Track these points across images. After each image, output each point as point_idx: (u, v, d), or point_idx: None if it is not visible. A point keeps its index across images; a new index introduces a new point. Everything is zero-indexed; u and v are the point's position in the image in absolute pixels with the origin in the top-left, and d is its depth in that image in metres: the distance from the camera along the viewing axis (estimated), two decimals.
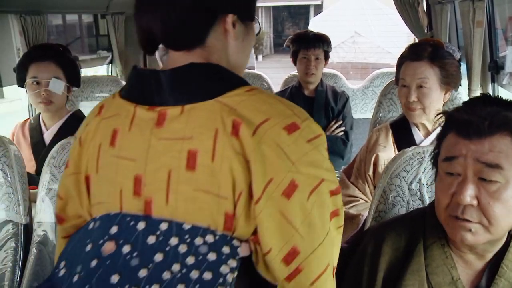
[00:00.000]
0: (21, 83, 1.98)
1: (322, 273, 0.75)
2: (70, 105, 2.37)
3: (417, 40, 2.81)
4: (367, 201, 1.75)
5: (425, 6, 2.67)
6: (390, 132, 1.77)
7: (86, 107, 2.42)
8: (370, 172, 1.74)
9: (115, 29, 3.03)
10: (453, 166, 0.93)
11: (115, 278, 0.70)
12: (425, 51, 1.63)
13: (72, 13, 3.96)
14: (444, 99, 1.68)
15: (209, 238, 0.72)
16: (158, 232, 0.72)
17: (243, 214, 0.72)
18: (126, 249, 0.71)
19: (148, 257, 0.70)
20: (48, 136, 2.01)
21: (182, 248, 0.71)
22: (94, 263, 0.72)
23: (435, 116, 1.12)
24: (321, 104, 2.62)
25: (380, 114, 2.16)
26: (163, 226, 0.72)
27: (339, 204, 0.79)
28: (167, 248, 0.71)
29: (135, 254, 0.71)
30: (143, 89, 0.78)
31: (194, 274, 0.69)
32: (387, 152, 1.73)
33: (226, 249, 0.72)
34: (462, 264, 1.01)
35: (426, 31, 2.68)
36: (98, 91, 2.48)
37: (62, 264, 0.77)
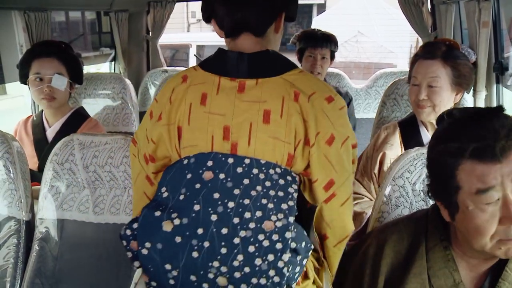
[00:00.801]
0: (23, 79, 1.98)
1: (348, 199, 1.08)
2: (72, 102, 2.37)
3: (420, 40, 2.80)
4: (371, 199, 1.74)
5: (429, 6, 2.66)
6: (398, 130, 1.77)
7: (89, 104, 2.41)
8: (376, 170, 1.74)
9: (119, 27, 3.02)
10: (490, 196, 0.88)
11: (216, 195, 0.98)
12: (439, 50, 1.62)
13: (76, 10, 3.96)
14: (455, 100, 1.66)
15: (278, 170, 1.03)
16: (244, 165, 1.02)
17: (299, 155, 1.05)
18: (221, 176, 1.00)
19: (239, 181, 1.00)
20: (50, 133, 2.01)
21: (261, 176, 1.01)
22: (197, 186, 1.00)
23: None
24: None
25: (384, 114, 2.15)
26: (247, 161, 1.03)
27: (355, 155, 1.13)
28: (251, 175, 1.01)
29: (228, 179, 1.00)
30: (226, 65, 1.07)
31: (272, 193, 0.99)
32: (393, 150, 1.73)
33: (289, 178, 1.03)
34: (465, 267, 1.00)
35: (430, 31, 2.67)
36: (101, 89, 2.47)
37: (164, 189, 1.03)
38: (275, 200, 0.98)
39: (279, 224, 0.95)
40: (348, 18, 14.12)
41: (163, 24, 3.26)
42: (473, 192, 0.88)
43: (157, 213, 0.98)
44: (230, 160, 1.02)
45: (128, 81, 2.48)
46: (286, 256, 0.94)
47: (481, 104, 1.99)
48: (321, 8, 18.44)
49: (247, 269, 0.95)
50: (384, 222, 1.31)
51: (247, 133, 1.04)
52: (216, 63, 1.09)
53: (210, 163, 1.02)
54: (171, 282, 0.98)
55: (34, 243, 1.55)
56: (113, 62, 3.36)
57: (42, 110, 2.05)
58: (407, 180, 1.36)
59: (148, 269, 0.99)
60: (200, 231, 0.96)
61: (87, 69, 3.20)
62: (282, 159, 1.04)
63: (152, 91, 3.17)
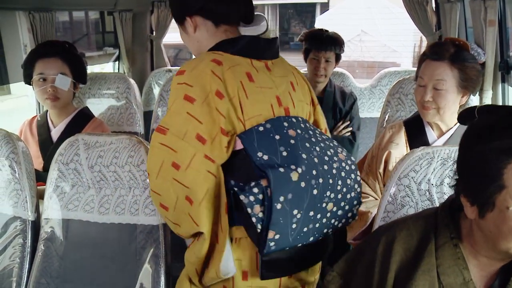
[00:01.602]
0: (28, 79, 1.99)
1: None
2: (77, 102, 2.37)
3: (424, 39, 2.79)
4: (376, 199, 1.74)
5: (434, 5, 2.65)
6: (403, 130, 1.76)
7: (93, 104, 2.41)
8: (381, 169, 1.73)
9: (123, 26, 3.03)
10: None
11: (307, 144, 1.23)
12: (447, 52, 1.60)
13: (80, 10, 3.97)
14: (461, 102, 1.65)
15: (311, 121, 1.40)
16: (301, 122, 1.28)
17: (312, 113, 1.41)
18: (299, 131, 1.24)
19: (309, 133, 1.28)
20: (55, 133, 2.01)
21: (311, 127, 1.32)
22: (292, 141, 1.20)
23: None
24: (329, 105, 2.59)
25: (388, 114, 2.15)
26: (300, 119, 1.29)
27: None
28: (310, 128, 1.31)
29: (303, 132, 1.25)
30: (258, 49, 1.29)
31: (324, 136, 1.33)
32: (399, 149, 1.72)
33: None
34: (475, 266, 0.99)
35: (434, 30, 2.66)
36: (106, 88, 2.47)
37: (260, 153, 1.18)
38: (328, 140, 1.31)
39: (344, 153, 1.29)
40: (352, 17, 14.10)
41: (167, 24, 3.27)
42: None
43: (281, 170, 1.14)
44: (294, 120, 1.27)
45: (132, 81, 2.48)
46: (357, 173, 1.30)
47: (487, 103, 1.98)
48: (325, 7, 18.40)
49: (344, 189, 1.24)
50: (389, 222, 1.31)
51: (290, 99, 1.30)
52: (247, 48, 1.27)
53: (285, 124, 1.24)
54: (294, 225, 1.16)
55: (39, 243, 1.56)
56: (117, 62, 3.37)
57: (47, 110, 2.06)
58: (413, 179, 1.35)
59: (278, 223, 1.13)
60: (314, 172, 1.18)
61: (91, 68, 3.21)
62: (307, 116, 1.37)
63: (156, 90, 3.17)
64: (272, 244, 1.15)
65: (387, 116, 2.17)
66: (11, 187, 1.57)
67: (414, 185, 1.35)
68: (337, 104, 2.60)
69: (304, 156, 1.19)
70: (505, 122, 0.91)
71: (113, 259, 1.50)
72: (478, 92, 2.06)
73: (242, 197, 1.13)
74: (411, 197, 1.36)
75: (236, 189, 1.17)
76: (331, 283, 1.13)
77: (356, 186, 1.28)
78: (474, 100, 1.96)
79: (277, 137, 1.20)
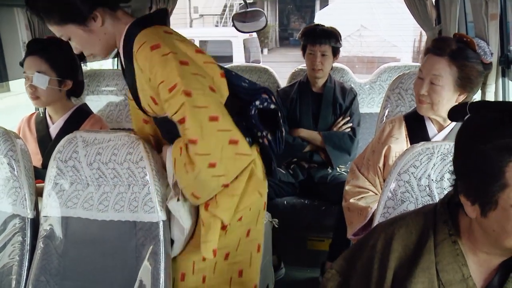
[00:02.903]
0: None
1: None
2: (75, 99, 2.36)
3: (424, 34, 2.78)
4: (376, 193, 1.73)
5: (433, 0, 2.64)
6: (404, 124, 1.75)
7: (92, 101, 2.41)
8: (381, 164, 1.73)
9: None
10: None
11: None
12: (448, 48, 1.58)
13: None
14: (458, 100, 1.63)
15: None
16: None
17: None
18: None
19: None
20: (54, 130, 2.01)
21: None
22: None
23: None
24: (329, 101, 2.60)
25: (388, 109, 2.14)
26: None
27: None
28: None
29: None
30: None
31: None
32: (399, 144, 1.72)
33: None
34: (475, 262, 0.99)
35: (434, 25, 2.64)
36: (104, 85, 2.47)
37: (242, 83, 1.52)
38: None
39: None
40: (351, 12, 14.08)
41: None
42: None
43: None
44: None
45: None
46: None
47: (490, 98, 1.97)
48: (324, 2, 18.37)
49: None
50: (389, 218, 1.30)
51: None
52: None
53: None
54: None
55: (38, 241, 1.55)
56: (115, 58, 3.36)
57: (46, 107, 2.05)
58: (413, 175, 1.35)
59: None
60: None
61: (90, 65, 3.19)
62: None
63: None
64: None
65: (387, 112, 2.16)
66: (10, 185, 1.57)
67: (414, 181, 1.35)
68: (337, 100, 2.60)
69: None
70: (505, 120, 0.89)
71: (112, 256, 1.50)
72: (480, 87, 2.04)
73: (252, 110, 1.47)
74: (411, 193, 1.36)
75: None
76: (330, 281, 1.13)
77: None
78: (475, 95, 1.95)
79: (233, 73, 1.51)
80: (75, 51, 1.46)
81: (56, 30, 1.40)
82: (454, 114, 1.03)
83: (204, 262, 1.48)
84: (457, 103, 1.64)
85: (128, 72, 1.44)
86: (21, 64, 1.97)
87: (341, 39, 2.59)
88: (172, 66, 1.30)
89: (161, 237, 1.47)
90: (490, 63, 1.62)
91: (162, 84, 1.32)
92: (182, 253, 1.51)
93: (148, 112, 1.48)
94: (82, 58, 2.07)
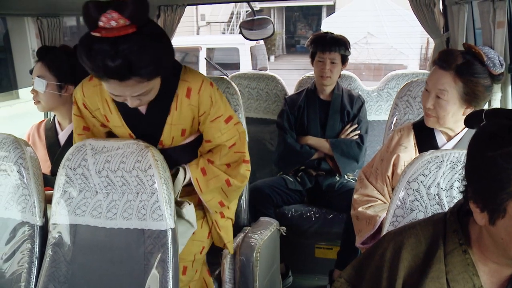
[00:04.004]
0: None
1: None
2: None
3: (431, 41, 2.77)
4: (385, 202, 1.72)
5: (441, 7, 2.63)
6: (412, 133, 1.74)
7: None
8: (389, 173, 1.72)
9: None
10: None
11: None
12: (454, 62, 1.55)
13: None
14: (465, 113, 1.61)
15: None
16: None
17: None
18: None
19: None
20: (62, 137, 2.01)
21: None
22: None
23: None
24: (337, 109, 2.60)
25: (396, 117, 2.13)
26: None
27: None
28: None
29: None
30: None
31: None
32: (408, 153, 1.71)
33: None
34: (486, 272, 0.98)
35: (442, 32, 2.64)
36: None
37: None
38: None
39: None
40: (358, 19, 14.08)
41: (173, 28, 3.27)
42: None
43: None
44: None
45: None
46: None
47: (496, 106, 1.95)
48: (331, 9, 18.40)
49: None
50: (398, 226, 1.30)
51: None
52: None
53: None
54: None
55: (47, 248, 1.56)
56: None
57: (55, 114, 2.06)
58: (422, 183, 1.34)
59: None
60: None
61: None
62: None
63: None
64: None
65: (395, 119, 2.15)
66: (19, 193, 1.58)
67: (424, 189, 1.34)
68: (345, 107, 2.59)
69: None
70: None
71: (120, 264, 1.50)
72: None
73: None
74: (420, 201, 1.35)
75: None
76: None
77: None
78: None
79: None
80: (136, 105, 1.45)
81: (142, 87, 1.38)
82: (470, 121, 1.02)
83: (200, 255, 1.72)
84: (464, 115, 1.63)
85: (154, 109, 1.56)
86: (31, 72, 1.99)
87: (350, 47, 2.59)
88: (226, 103, 1.63)
89: (170, 245, 1.47)
90: (501, 74, 1.59)
91: (221, 117, 1.60)
92: (184, 248, 1.64)
93: (164, 144, 1.62)
94: None
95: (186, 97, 1.54)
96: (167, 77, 1.50)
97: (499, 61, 1.57)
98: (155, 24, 1.40)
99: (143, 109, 1.57)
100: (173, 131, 1.59)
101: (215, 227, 1.74)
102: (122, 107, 1.55)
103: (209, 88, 1.56)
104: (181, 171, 1.62)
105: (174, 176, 1.60)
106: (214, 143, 1.63)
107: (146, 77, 1.34)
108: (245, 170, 1.69)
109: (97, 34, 1.24)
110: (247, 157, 1.70)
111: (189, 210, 1.60)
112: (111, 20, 1.22)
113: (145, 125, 1.59)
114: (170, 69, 1.49)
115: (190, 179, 1.63)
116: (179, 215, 1.57)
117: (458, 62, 1.55)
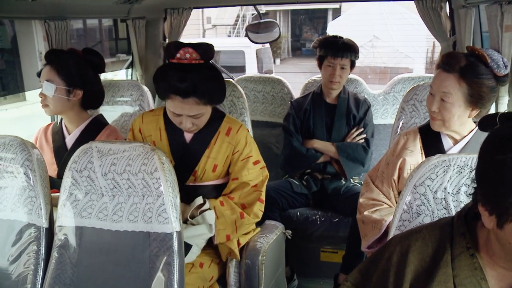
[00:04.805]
0: None
1: None
2: (91, 110, 2.38)
3: (437, 44, 2.76)
4: (391, 206, 1.72)
5: (448, 10, 2.62)
6: (418, 136, 1.74)
7: (107, 112, 2.43)
8: (395, 176, 1.71)
9: (136, 34, 3.04)
10: None
11: None
12: (457, 64, 1.55)
13: (94, 18, 4.01)
14: (470, 115, 1.61)
15: None
16: None
17: None
18: None
19: None
20: (69, 140, 2.03)
21: None
22: None
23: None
24: (343, 112, 2.59)
25: (402, 120, 2.13)
26: None
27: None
28: None
29: None
30: None
31: None
32: (414, 157, 1.70)
33: None
34: (494, 277, 0.97)
35: (449, 36, 2.63)
36: (119, 96, 2.49)
37: None
38: None
39: None
40: (364, 22, 14.07)
41: (179, 31, 3.28)
42: None
43: None
44: None
45: (145, 88, 2.50)
46: None
47: (503, 109, 1.95)
48: (337, 12, 18.40)
49: None
50: (404, 230, 1.29)
51: None
52: None
53: None
54: None
55: (53, 250, 1.56)
56: (130, 69, 3.39)
57: (62, 118, 2.07)
58: (428, 188, 1.33)
59: None
60: None
61: (104, 75, 3.23)
62: None
63: None
64: None
65: (401, 123, 2.15)
66: (26, 194, 1.59)
67: (430, 194, 1.33)
68: (351, 111, 2.59)
69: None
70: None
71: (126, 267, 1.50)
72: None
73: None
74: (427, 206, 1.34)
75: None
76: None
77: None
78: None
79: None
80: (189, 127, 1.72)
81: (198, 109, 1.67)
82: (484, 124, 1.01)
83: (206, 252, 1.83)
84: (470, 118, 1.62)
85: (197, 141, 1.81)
86: (38, 75, 2.00)
87: (358, 52, 2.58)
88: (257, 148, 1.86)
89: (175, 248, 1.47)
90: (506, 75, 1.58)
91: (251, 158, 1.80)
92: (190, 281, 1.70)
93: (196, 177, 1.81)
94: (100, 69, 2.11)
95: (226, 135, 1.80)
96: (214, 116, 1.79)
97: (503, 63, 1.56)
98: (215, 65, 1.78)
99: (188, 138, 1.81)
100: (207, 164, 1.79)
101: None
102: (171, 136, 1.81)
103: (245, 131, 1.82)
104: (200, 198, 1.78)
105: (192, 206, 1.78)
106: (240, 181, 1.80)
107: (204, 99, 1.63)
108: (259, 209, 1.82)
109: (174, 61, 1.61)
110: (263, 197, 1.83)
111: (211, 214, 1.74)
112: (186, 53, 1.60)
113: (186, 154, 1.80)
114: (221, 101, 1.77)
115: (203, 205, 1.77)
116: (200, 220, 1.73)
117: (461, 64, 1.55)
